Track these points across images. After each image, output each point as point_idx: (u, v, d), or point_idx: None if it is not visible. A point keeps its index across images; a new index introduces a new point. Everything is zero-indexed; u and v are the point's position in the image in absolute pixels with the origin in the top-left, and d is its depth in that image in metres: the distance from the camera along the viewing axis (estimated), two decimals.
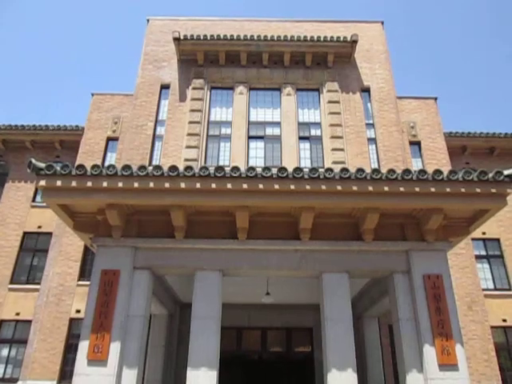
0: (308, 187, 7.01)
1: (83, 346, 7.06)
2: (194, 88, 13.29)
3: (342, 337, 7.27)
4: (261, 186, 7.00)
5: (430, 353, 7.03)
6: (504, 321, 13.55)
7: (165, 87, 13.61)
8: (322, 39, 13.40)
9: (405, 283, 7.69)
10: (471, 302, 12.98)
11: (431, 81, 45.71)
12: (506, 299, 13.94)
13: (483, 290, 13.92)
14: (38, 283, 14.19)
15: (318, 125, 13.03)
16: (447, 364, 6.95)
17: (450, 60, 46.64)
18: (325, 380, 7.17)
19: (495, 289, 14.30)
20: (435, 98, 15.90)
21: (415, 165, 14.44)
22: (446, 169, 13.49)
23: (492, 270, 14.71)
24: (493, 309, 13.68)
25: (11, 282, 14.31)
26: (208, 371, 6.99)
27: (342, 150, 12.25)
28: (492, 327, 13.37)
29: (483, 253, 15.03)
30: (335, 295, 7.57)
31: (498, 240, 15.20)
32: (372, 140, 12.82)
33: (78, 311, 12.43)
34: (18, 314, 13.78)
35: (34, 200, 15.71)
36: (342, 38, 13.52)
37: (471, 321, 12.68)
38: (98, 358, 6.96)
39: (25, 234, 15.19)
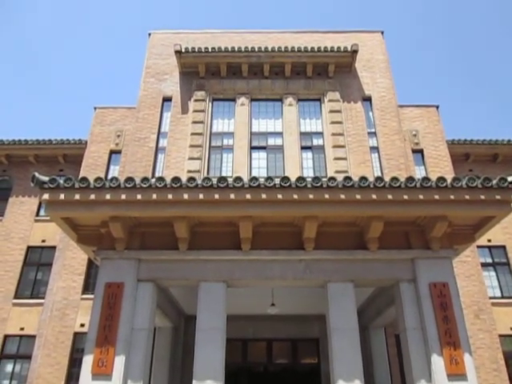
0: (311, 196, 6.99)
1: (87, 360, 7.01)
2: (195, 100, 13.38)
3: (349, 347, 7.19)
4: (264, 196, 6.99)
5: (438, 362, 6.93)
6: None
7: (167, 100, 13.71)
8: (322, 49, 13.49)
9: (411, 292, 7.61)
10: (478, 311, 12.82)
11: (433, 89, 45.88)
12: None
13: (490, 298, 13.78)
14: (42, 297, 14.14)
15: (320, 134, 13.06)
16: (456, 374, 6.84)
17: (451, 68, 46.85)
18: None
19: (502, 297, 14.14)
20: (437, 106, 15.92)
21: (418, 173, 14.41)
22: (449, 176, 13.44)
23: (499, 278, 14.57)
24: (500, 317, 13.51)
25: (15, 297, 14.26)
26: (213, 383, 6.91)
27: (344, 159, 12.25)
28: (500, 336, 13.20)
29: (489, 260, 14.90)
30: (340, 305, 7.50)
31: (503, 247, 15.07)
32: (374, 148, 12.83)
33: (83, 325, 12.35)
34: (22, 328, 13.71)
35: (37, 214, 15.74)
36: (342, 48, 13.61)
37: (479, 329, 12.52)
38: (102, 372, 6.90)
39: (29, 248, 15.19)
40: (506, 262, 14.85)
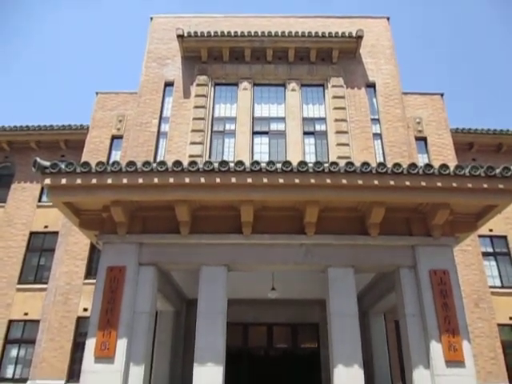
0: (313, 181, 6.98)
1: (90, 344, 7.08)
2: (198, 85, 13.29)
3: (348, 331, 7.24)
4: (265, 180, 6.98)
5: (436, 349, 6.98)
6: (511, 318, 13.42)
7: (169, 84, 13.61)
8: (326, 35, 13.33)
9: (411, 278, 7.64)
10: (478, 299, 12.87)
11: (438, 78, 45.45)
12: None
13: (490, 287, 13.81)
14: (46, 282, 14.24)
15: (322, 120, 12.99)
16: (454, 360, 6.89)
17: (457, 56, 46.34)
18: (331, 375, 7.14)
19: (502, 286, 14.18)
20: (441, 94, 15.77)
21: (421, 161, 14.32)
22: (452, 164, 13.38)
23: (499, 268, 14.59)
24: (500, 306, 13.55)
25: (19, 282, 14.35)
26: (214, 366, 6.99)
27: (347, 145, 12.19)
28: (499, 325, 13.26)
29: (490, 250, 14.91)
30: (340, 290, 7.53)
31: (505, 237, 15.07)
32: (377, 135, 12.76)
33: (86, 310, 12.45)
34: (26, 313, 13.83)
35: (40, 200, 15.77)
36: (347, 34, 13.44)
37: (478, 318, 12.58)
38: (105, 355, 6.97)
39: (31, 233, 15.24)
40: (507, 252, 14.86)
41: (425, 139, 14.92)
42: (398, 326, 10.07)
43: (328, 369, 7.98)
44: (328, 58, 13.73)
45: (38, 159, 7.09)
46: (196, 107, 12.88)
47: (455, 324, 7.11)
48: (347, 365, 7.00)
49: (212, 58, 13.77)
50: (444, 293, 7.35)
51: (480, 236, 14.47)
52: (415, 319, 7.34)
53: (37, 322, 13.63)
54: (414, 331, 7.27)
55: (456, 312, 7.20)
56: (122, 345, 7.04)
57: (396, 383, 10.95)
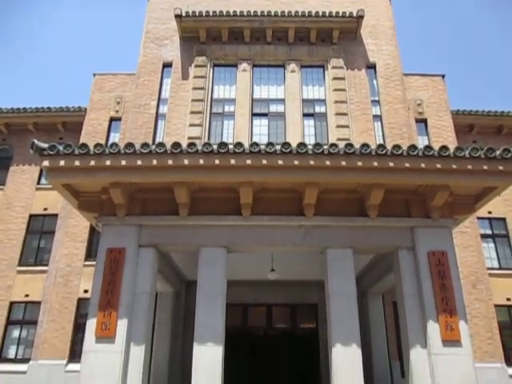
0: (312, 163, 6.95)
1: (91, 324, 7.16)
2: (196, 66, 13.14)
3: (347, 312, 7.31)
4: (264, 162, 6.96)
5: (433, 329, 7.06)
6: (508, 300, 13.56)
7: (167, 65, 13.46)
8: (327, 15, 13.14)
9: (409, 259, 7.68)
10: (476, 281, 12.99)
11: (439, 59, 44.96)
12: (511, 278, 13.92)
13: (488, 269, 13.90)
14: (46, 265, 14.30)
15: (322, 102, 12.89)
16: (451, 340, 6.98)
17: (458, 38, 45.77)
18: (329, 354, 7.24)
19: (500, 268, 14.26)
20: (443, 76, 15.61)
21: (421, 143, 14.26)
22: (452, 147, 13.33)
23: (497, 250, 14.65)
24: (497, 288, 13.67)
25: (19, 265, 14.41)
26: (214, 346, 7.08)
27: (346, 126, 12.13)
28: (496, 306, 13.40)
29: (489, 232, 14.95)
30: (339, 270, 7.58)
31: (503, 219, 15.08)
32: (377, 117, 12.68)
33: (86, 291, 12.54)
34: (27, 295, 13.92)
35: (38, 182, 15.72)
36: (347, 14, 13.25)
37: (475, 299, 12.71)
38: (105, 335, 7.06)
39: (31, 216, 15.24)
40: (506, 234, 14.90)
41: (425, 121, 14.82)
42: (396, 307, 10.19)
43: (326, 348, 8.09)
44: (328, 39, 13.56)
45: (36, 141, 7.06)
46: (195, 89, 12.76)
47: (453, 304, 7.17)
48: (345, 344, 7.09)
49: (211, 39, 13.59)
50: (442, 274, 7.40)
51: (479, 218, 14.52)
52: (413, 300, 7.40)
53: (38, 303, 13.74)
54: (411, 311, 7.34)
55: (454, 293, 7.26)
56: (122, 325, 7.12)
57: (393, 362, 11.13)
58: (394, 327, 11.18)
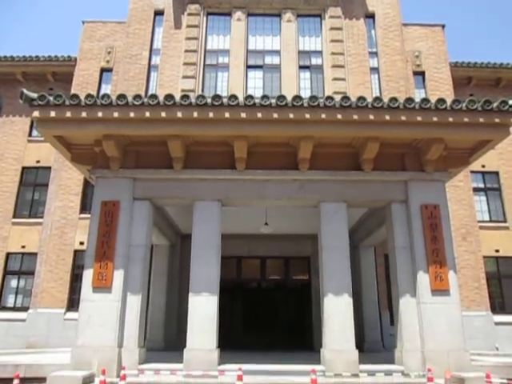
0: (307, 116, 6.87)
1: (88, 275, 7.32)
2: (189, 14, 12.64)
3: (339, 263, 7.49)
4: (259, 115, 6.87)
5: (423, 279, 7.29)
6: (497, 251, 13.89)
7: (159, 13, 12.95)
8: None
9: (402, 212, 7.79)
10: (466, 233, 13.23)
11: (439, 8, 43.44)
12: (500, 231, 14.20)
13: (479, 221, 14.13)
14: (41, 217, 14.34)
15: (319, 53, 12.55)
16: (440, 289, 7.23)
17: None
18: (321, 304, 7.47)
19: (490, 220, 14.50)
20: (443, 26, 15.13)
21: (418, 96, 14.02)
22: (449, 100, 13.16)
23: (489, 203, 14.83)
24: (487, 240, 13.96)
25: (14, 217, 14.46)
26: (209, 296, 7.28)
27: (343, 79, 11.90)
28: (484, 257, 13.73)
29: (481, 185, 15.07)
30: (332, 224, 7.69)
31: (496, 173, 15.15)
32: (375, 69, 12.43)
33: (82, 243, 12.66)
34: (23, 246, 14.07)
35: (30, 135, 15.46)
36: None
37: (465, 251, 13.01)
38: (102, 285, 7.23)
39: (24, 168, 15.11)
40: (498, 187, 15.04)
41: (423, 74, 14.52)
42: (387, 259, 10.44)
43: (318, 299, 8.34)
44: None
45: (25, 90, 6.91)
46: (188, 39, 12.35)
47: (443, 256, 7.37)
48: (337, 294, 7.32)
49: None
50: (434, 226, 7.55)
51: (472, 172, 14.58)
52: (404, 251, 7.59)
53: (34, 254, 13.90)
54: (402, 262, 7.54)
55: (444, 245, 7.44)
56: (118, 275, 7.28)
57: (383, 311, 11.57)
58: (385, 278, 11.51)
